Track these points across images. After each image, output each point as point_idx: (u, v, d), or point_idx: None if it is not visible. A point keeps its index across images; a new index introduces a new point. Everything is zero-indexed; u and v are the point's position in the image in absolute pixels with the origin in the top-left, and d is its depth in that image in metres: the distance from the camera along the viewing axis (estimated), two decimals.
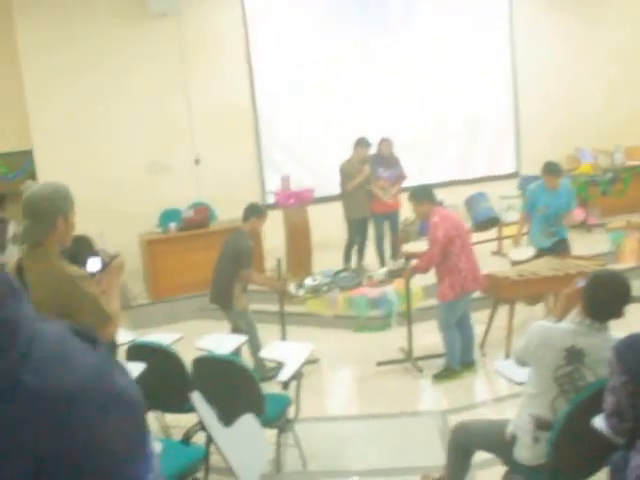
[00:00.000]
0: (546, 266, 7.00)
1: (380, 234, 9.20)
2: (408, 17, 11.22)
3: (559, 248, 7.60)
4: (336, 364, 7.42)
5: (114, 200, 9.85)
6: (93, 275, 3.13)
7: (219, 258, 6.76)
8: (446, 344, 6.59)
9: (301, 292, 8.11)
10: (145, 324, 8.16)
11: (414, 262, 6.71)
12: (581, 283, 3.73)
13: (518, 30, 11.84)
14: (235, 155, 10.46)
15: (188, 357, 4.66)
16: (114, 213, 9.63)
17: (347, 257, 9.16)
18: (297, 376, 4.62)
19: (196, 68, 10.22)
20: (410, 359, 6.90)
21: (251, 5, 10.35)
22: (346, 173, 8.82)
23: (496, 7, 11.78)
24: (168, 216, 9.25)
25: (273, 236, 9.16)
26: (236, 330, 6.49)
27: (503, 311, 6.99)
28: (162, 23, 10.03)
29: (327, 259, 9.31)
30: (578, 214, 11.07)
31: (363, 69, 10.99)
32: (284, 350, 5.18)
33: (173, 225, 8.99)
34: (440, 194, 9.92)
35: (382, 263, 9.17)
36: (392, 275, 7.70)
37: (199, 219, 8.92)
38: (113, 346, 3.27)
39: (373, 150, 9.22)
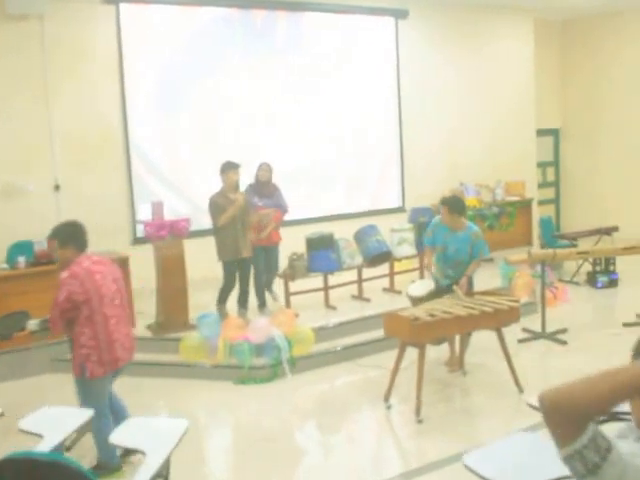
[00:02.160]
0: (457, 304, 5.71)
1: (259, 270, 7.66)
2: (296, 43, 9.87)
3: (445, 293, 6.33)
4: (212, 430, 5.74)
5: None
6: None
7: None
8: (98, 436, 4.55)
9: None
10: None
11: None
12: None
13: (405, 66, 10.78)
14: (102, 180, 8.61)
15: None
16: None
17: (221, 302, 7.27)
18: (162, 474, 2.98)
19: (60, 81, 8.32)
20: None
21: (127, 18, 8.64)
22: (216, 206, 7.01)
23: (384, 42, 10.67)
24: (17, 249, 7.27)
25: (142, 274, 7.44)
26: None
27: (393, 354, 5.64)
28: (22, 26, 8.13)
29: (207, 300, 7.69)
30: None
31: (247, 93, 9.51)
32: (147, 432, 3.47)
33: (22, 260, 7.09)
34: (328, 228, 8.79)
35: (262, 304, 7.64)
36: None
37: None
38: None
39: (251, 178, 7.75)
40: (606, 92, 12.47)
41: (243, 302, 7.34)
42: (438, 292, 6.28)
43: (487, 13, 11.49)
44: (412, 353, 5.59)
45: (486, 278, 9.31)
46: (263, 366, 6.46)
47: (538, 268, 8.76)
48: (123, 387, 5.35)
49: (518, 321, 5.88)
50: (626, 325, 7.45)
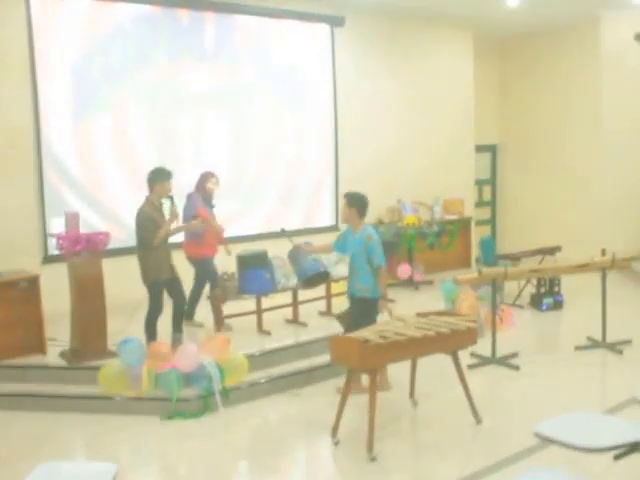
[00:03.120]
0: (409, 325, 5.35)
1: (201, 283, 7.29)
2: (226, 47, 9.42)
3: (354, 306, 6.12)
4: (135, 475, 5.12)
5: None
6: None
7: None
8: None
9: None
10: None
11: None
12: None
13: (341, 77, 10.51)
14: (9, 191, 7.83)
15: None
16: None
17: (150, 331, 6.67)
18: None
19: None
20: None
21: (39, 11, 7.96)
22: (152, 221, 6.43)
23: (320, 50, 10.38)
24: None
25: (55, 295, 6.79)
26: None
27: (335, 383, 5.23)
28: None
29: (128, 326, 7.09)
30: (405, 271, 9.81)
31: (170, 98, 8.99)
32: None
33: None
34: (259, 246, 8.32)
35: (189, 316, 7.18)
36: None
37: None
38: None
39: (189, 185, 7.32)
40: (542, 108, 12.56)
41: (178, 325, 6.80)
42: (351, 306, 6.18)
43: (427, 26, 11.40)
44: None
45: (427, 301, 9.10)
46: (192, 398, 5.92)
47: (482, 290, 8.63)
48: (33, 422, 4.75)
49: (475, 343, 5.58)
50: (578, 349, 7.29)
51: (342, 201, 6.20)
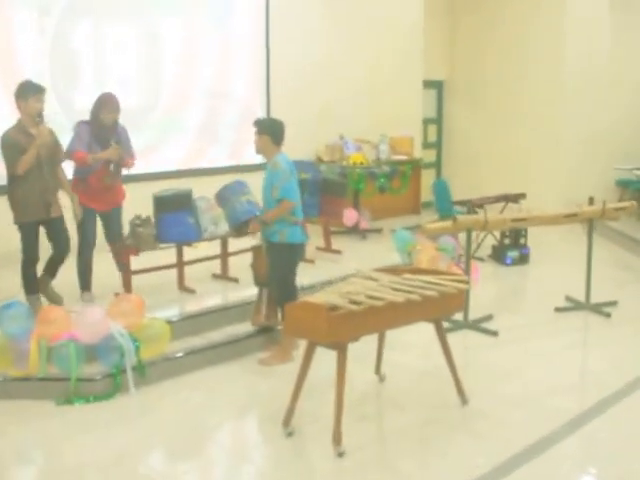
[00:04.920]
0: (384, 285, 4.36)
1: (88, 242, 5.93)
2: None
3: (270, 255, 5.40)
4: None
5: None
6: None
7: None
8: None
9: None
10: None
11: None
12: None
13: (274, 2, 9.25)
14: None
15: None
16: None
17: (28, 283, 5.59)
18: None
19: None
20: None
21: None
22: (13, 146, 5.32)
23: None
24: None
25: None
26: None
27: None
28: None
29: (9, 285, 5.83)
30: (350, 217, 8.82)
31: (69, 6, 7.55)
32: None
33: None
34: (183, 185, 7.13)
35: (86, 286, 5.95)
36: None
37: None
38: None
39: (82, 112, 5.96)
40: (497, 42, 11.61)
41: (52, 272, 5.77)
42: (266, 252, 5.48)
43: None
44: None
45: (377, 252, 8.17)
46: (98, 377, 4.78)
47: (442, 240, 7.76)
48: None
49: (462, 309, 4.68)
50: (559, 310, 6.53)
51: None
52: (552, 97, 10.97)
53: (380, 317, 4.11)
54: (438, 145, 12.70)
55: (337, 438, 3.97)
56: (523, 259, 8.33)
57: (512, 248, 8.33)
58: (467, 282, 4.56)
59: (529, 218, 6.06)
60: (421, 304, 4.20)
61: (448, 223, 5.98)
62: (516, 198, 9.02)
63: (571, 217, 6.29)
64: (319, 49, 9.76)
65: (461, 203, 9.00)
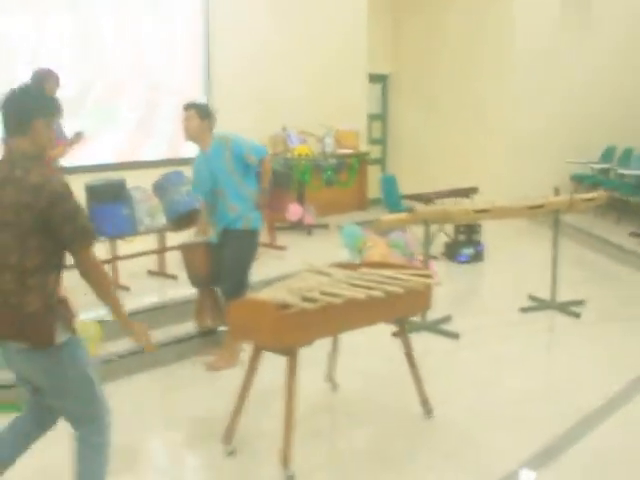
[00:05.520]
0: (339, 280, 3.85)
1: None
2: None
3: (231, 244, 4.85)
4: None
5: None
6: None
7: None
8: None
9: None
10: None
11: None
12: None
13: (215, 4, 8.65)
14: None
15: None
16: None
17: None
18: None
19: None
20: None
21: None
22: None
23: None
24: None
25: None
26: None
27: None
28: None
29: None
30: (295, 211, 8.31)
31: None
32: None
33: None
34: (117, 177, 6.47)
35: None
36: None
37: None
38: None
39: None
40: (444, 33, 11.25)
41: None
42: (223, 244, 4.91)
43: None
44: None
45: (325, 249, 7.66)
46: (10, 384, 4.15)
47: (394, 236, 7.32)
48: None
49: (430, 307, 4.21)
50: (524, 310, 6.12)
51: (183, 114, 4.90)
52: (500, 91, 10.65)
53: (337, 317, 3.60)
54: (383, 141, 12.27)
55: (286, 458, 3.44)
56: (478, 256, 7.94)
57: (466, 245, 7.94)
58: (432, 277, 4.09)
59: (493, 210, 5.64)
60: (384, 302, 3.71)
61: (406, 215, 5.51)
62: (468, 192, 8.66)
63: (537, 209, 5.90)
64: (261, 39, 9.19)
65: (411, 197, 8.60)
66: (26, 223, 2.57)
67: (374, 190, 10.16)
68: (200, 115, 4.83)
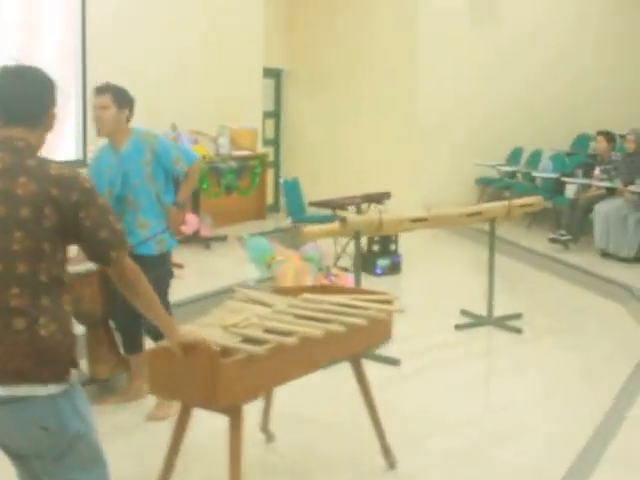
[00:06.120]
0: (283, 311, 3.10)
1: None
2: None
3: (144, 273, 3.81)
4: None
5: None
6: None
7: None
8: None
9: None
10: None
11: None
12: None
13: None
14: None
15: None
16: None
17: None
18: None
19: None
20: None
21: None
22: None
23: None
24: None
25: None
26: None
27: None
28: None
29: None
30: (190, 222, 7.46)
31: None
32: None
33: None
34: None
35: None
36: None
37: None
38: None
39: None
40: (344, 25, 10.62)
41: None
42: None
43: None
44: None
45: (227, 265, 6.90)
46: None
47: (308, 248, 6.67)
48: None
49: (390, 337, 3.53)
50: (459, 328, 5.56)
51: (95, 100, 3.94)
52: (404, 89, 10.15)
53: (291, 361, 2.85)
54: (276, 142, 11.53)
55: None
56: (395, 268, 7.35)
57: (382, 256, 7.34)
58: (393, 302, 3.41)
59: (430, 218, 5.06)
60: (341, 336, 2.99)
61: (334, 226, 4.83)
62: (380, 198, 8.09)
63: (475, 216, 5.39)
64: (144, 26, 8.27)
65: (319, 204, 7.94)
66: (47, 222, 2.04)
67: (270, 196, 9.47)
68: (118, 102, 3.88)
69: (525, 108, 10.41)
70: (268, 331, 2.89)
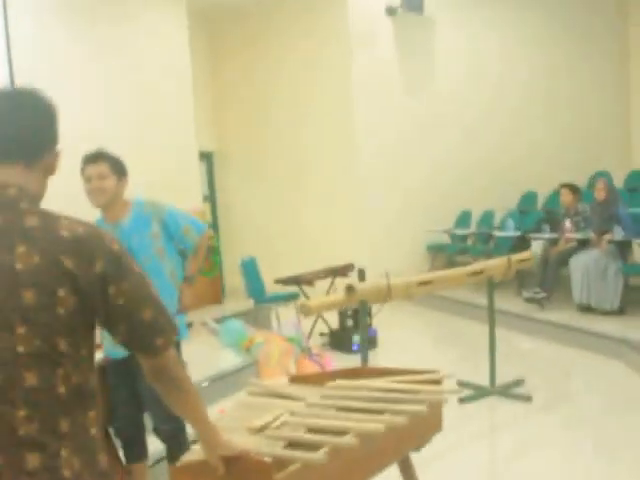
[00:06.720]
0: (322, 405, 2.64)
1: None
2: None
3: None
4: None
5: None
6: None
7: None
8: None
9: None
10: None
11: None
12: None
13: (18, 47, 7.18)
14: None
15: None
16: None
17: None
18: None
19: None
20: None
21: None
22: None
23: None
24: None
25: None
26: None
27: None
28: None
29: None
30: None
31: None
32: None
33: None
34: None
35: None
36: None
37: None
38: None
39: None
40: (277, 104, 10.40)
41: None
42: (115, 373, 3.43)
43: None
44: None
45: (203, 352, 6.33)
46: None
47: (288, 327, 6.27)
48: None
49: (441, 428, 3.06)
50: (463, 401, 5.09)
51: (89, 170, 3.38)
52: (342, 160, 9.87)
53: (349, 465, 2.36)
54: (215, 226, 11.01)
55: None
56: (371, 342, 6.90)
57: (357, 331, 6.92)
58: (440, 381, 2.97)
59: (435, 280, 4.71)
60: (402, 430, 2.53)
61: (340, 296, 4.38)
62: (345, 270, 7.73)
63: (476, 275, 5.06)
64: (79, 116, 7.82)
65: (285, 281, 7.52)
66: (61, 309, 1.47)
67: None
68: (117, 171, 3.43)
69: (463, 169, 10.22)
70: (312, 431, 2.42)
